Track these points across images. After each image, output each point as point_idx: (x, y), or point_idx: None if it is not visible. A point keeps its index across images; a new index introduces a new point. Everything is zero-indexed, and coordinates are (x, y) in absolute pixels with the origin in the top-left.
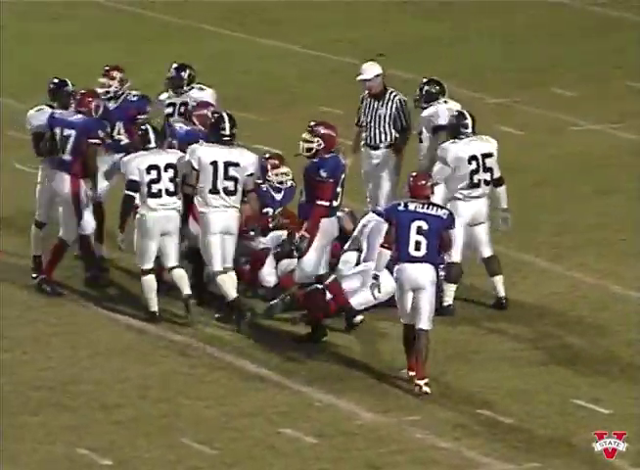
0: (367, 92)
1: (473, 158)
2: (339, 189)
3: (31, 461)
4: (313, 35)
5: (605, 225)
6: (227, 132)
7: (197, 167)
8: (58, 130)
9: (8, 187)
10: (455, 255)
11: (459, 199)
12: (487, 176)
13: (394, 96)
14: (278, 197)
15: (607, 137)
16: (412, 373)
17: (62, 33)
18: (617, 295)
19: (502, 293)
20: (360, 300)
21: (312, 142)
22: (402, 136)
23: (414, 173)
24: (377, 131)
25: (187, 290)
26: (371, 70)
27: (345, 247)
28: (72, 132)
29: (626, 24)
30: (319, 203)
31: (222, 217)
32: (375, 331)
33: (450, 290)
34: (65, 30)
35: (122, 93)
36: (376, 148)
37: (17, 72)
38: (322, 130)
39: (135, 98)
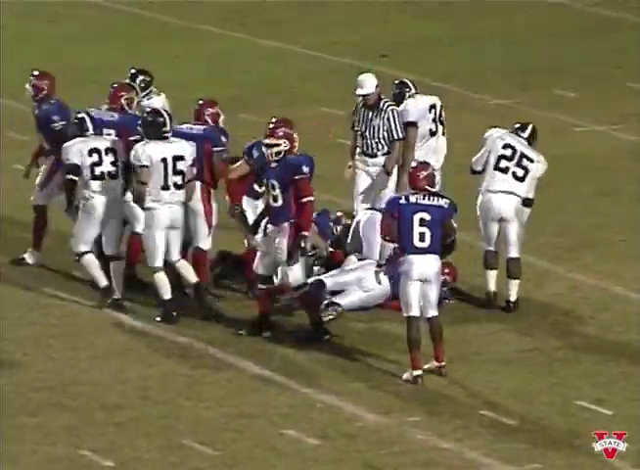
0: (362, 101)
1: (509, 146)
2: None
3: (31, 462)
4: (313, 36)
5: (606, 226)
6: (167, 128)
7: (149, 165)
8: (97, 131)
9: (8, 187)
10: (489, 245)
11: (488, 190)
12: (519, 171)
13: (387, 106)
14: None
15: (608, 138)
16: (416, 372)
17: (61, 34)
18: (619, 296)
19: (513, 297)
20: (348, 300)
21: (279, 145)
22: (395, 148)
23: (414, 164)
24: (373, 141)
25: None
26: (369, 83)
27: (347, 248)
28: (112, 132)
29: (626, 25)
30: (308, 200)
31: (169, 212)
32: (377, 332)
33: (492, 276)
34: (64, 31)
35: (40, 99)
36: (373, 156)
37: (17, 73)
38: (284, 131)
39: (46, 106)
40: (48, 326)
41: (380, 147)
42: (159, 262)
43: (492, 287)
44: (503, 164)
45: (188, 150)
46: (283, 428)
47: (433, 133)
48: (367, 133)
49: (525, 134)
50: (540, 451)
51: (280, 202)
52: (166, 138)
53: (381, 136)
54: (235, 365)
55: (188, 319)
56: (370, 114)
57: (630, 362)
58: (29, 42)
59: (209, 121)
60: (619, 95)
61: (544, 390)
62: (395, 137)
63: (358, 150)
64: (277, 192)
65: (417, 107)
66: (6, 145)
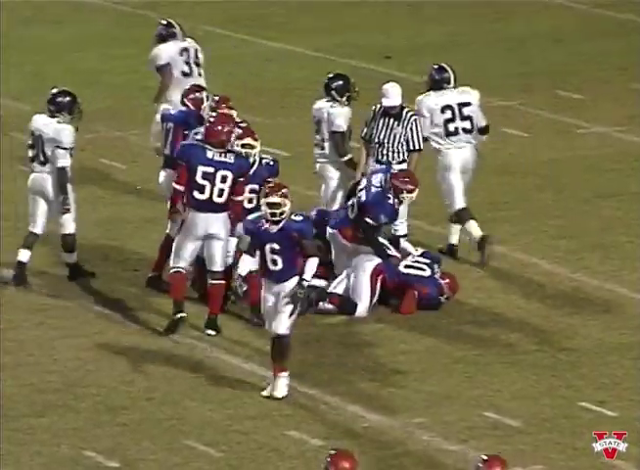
0: (381, 107)
1: (446, 107)
2: (203, 182)
3: (36, 464)
4: (318, 38)
5: (609, 228)
6: None
7: None
8: (165, 125)
9: (10, 190)
10: (459, 201)
11: (446, 148)
12: (467, 124)
13: (411, 116)
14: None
15: (612, 140)
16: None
17: (66, 37)
18: (622, 297)
19: (456, 240)
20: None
21: None
22: (412, 158)
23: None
24: (391, 150)
25: None
26: (395, 93)
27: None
28: (171, 125)
29: (631, 27)
30: (173, 184)
31: None
32: (379, 334)
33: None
34: (69, 34)
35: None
36: (388, 164)
37: (21, 76)
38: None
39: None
40: (53, 328)
41: (396, 156)
42: None
43: (454, 240)
44: (451, 126)
45: None
46: (287, 429)
47: (185, 74)
48: (386, 141)
49: (451, 83)
50: (544, 453)
51: None
52: None
53: (398, 145)
54: (239, 367)
55: (192, 321)
56: (391, 121)
57: (633, 364)
58: (33, 47)
59: (190, 106)
60: (624, 97)
61: (547, 391)
62: (416, 147)
63: (371, 160)
64: None
65: (168, 51)
66: (11, 147)
